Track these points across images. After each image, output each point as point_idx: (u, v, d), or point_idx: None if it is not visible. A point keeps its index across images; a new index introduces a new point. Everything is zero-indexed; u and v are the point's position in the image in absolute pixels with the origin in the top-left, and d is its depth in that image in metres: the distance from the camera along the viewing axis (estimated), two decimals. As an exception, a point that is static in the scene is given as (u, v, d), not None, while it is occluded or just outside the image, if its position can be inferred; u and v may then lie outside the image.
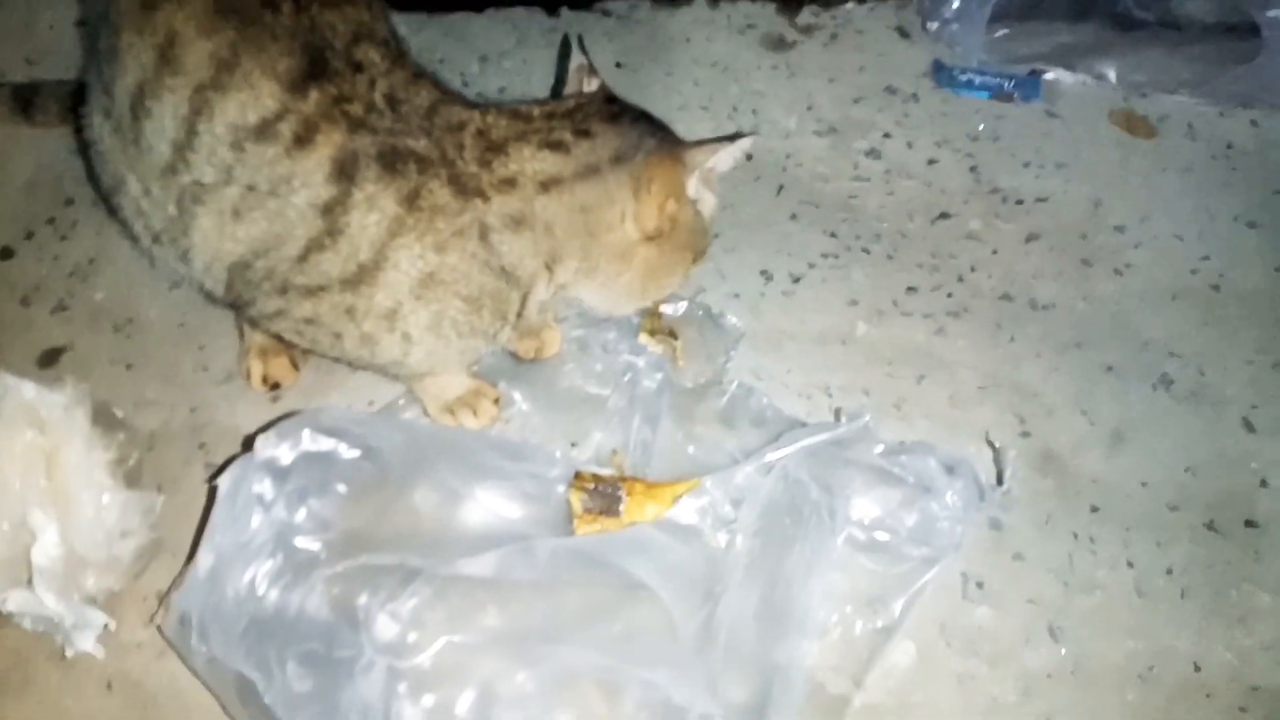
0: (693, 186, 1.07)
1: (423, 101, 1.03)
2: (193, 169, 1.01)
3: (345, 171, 0.98)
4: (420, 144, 1.00)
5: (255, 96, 0.98)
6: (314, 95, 0.98)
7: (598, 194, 1.04)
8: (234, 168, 1.00)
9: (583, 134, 1.04)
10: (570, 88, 1.12)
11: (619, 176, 1.04)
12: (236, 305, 1.12)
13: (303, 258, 1.01)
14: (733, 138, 1.06)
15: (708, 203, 1.12)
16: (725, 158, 1.07)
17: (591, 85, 1.10)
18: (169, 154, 1.02)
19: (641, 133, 1.06)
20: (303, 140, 0.98)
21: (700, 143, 1.08)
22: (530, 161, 1.02)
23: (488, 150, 1.02)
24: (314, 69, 0.99)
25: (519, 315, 1.10)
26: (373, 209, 0.98)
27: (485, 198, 1.01)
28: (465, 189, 1.00)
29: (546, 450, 1.18)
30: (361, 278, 1.01)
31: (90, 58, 1.18)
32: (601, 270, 1.10)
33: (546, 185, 1.03)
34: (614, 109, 1.07)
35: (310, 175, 0.98)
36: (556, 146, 1.03)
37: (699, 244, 1.13)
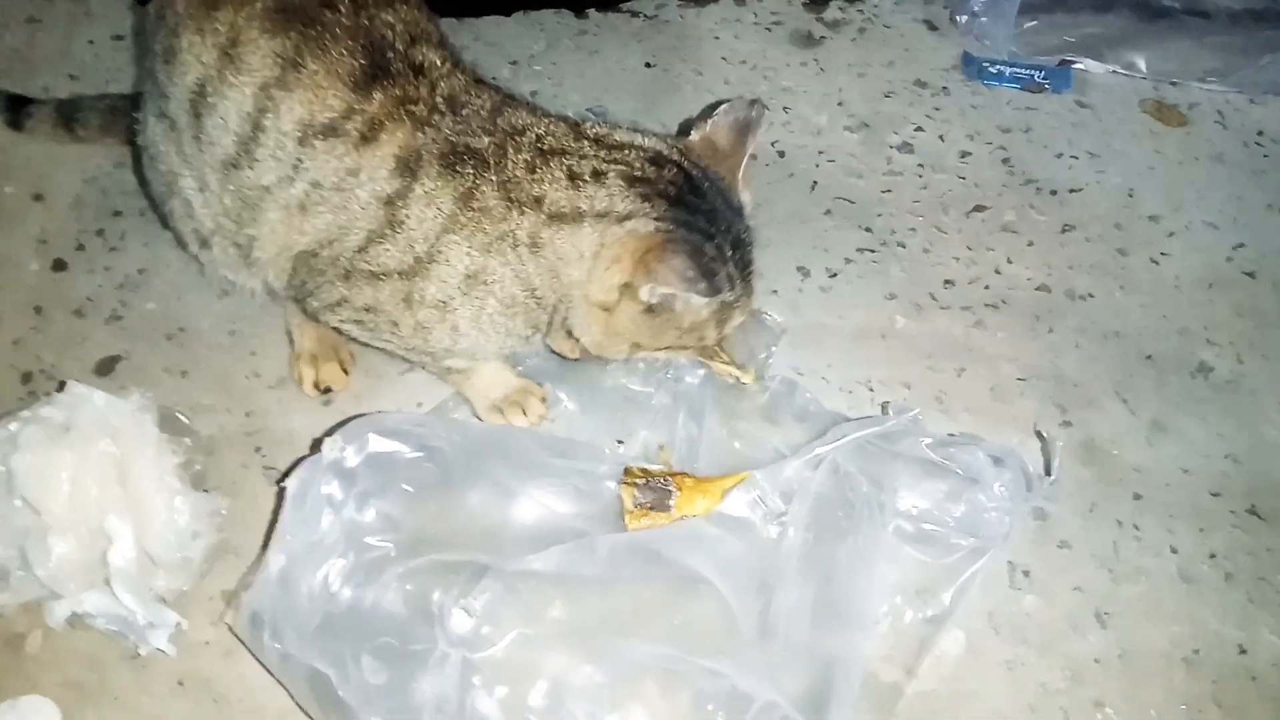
0: (646, 292, 0.98)
1: (485, 104, 1.06)
2: (258, 165, 1.04)
3: (408, 167, 1.01)
4: (482, 142, 1.02)
5: (322, 97, 1.01)
6: (378, 97, 1.02)
7: (574, 242, 1.00)
8: (301, 162, 1.03)
9: (598, 176, 1.00)
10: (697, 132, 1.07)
11: (593, 233, 0.99)
12: (299, 296, 1.15)
13: (363, 248, 1.04)
14: (716, 291, 0.98)
15: (691, 311, 1.02)
16: (688, 296, 0.98)
17: (696, 135, 1.06)
18: (232, 148, 1.05)
19: (648, 213, 0.98)
20: (368, 138, 1.01)
21: (687, 264, 0.95)
22: (553, 186, 1.00)
23: (537, 157, 1.02)
24: (376, 70, 1.02)
25: (548, 329, 1.09)
26: (431, 204, 1.01)
27: (521, 210, 1.01)
28: (509, 196, 1.01)
29: (595, 447, 1.21)
30: (417, 269, 1.04)
31: (142, 60, 1.20)
32: (575, 313, 1.06)
33: (553, 218, 1.00)
34: (650, 171, 1.00)
35: (375, 170, 1.01)
36: (573, 178, 1.00)
37: (648, 343, 1.05)
